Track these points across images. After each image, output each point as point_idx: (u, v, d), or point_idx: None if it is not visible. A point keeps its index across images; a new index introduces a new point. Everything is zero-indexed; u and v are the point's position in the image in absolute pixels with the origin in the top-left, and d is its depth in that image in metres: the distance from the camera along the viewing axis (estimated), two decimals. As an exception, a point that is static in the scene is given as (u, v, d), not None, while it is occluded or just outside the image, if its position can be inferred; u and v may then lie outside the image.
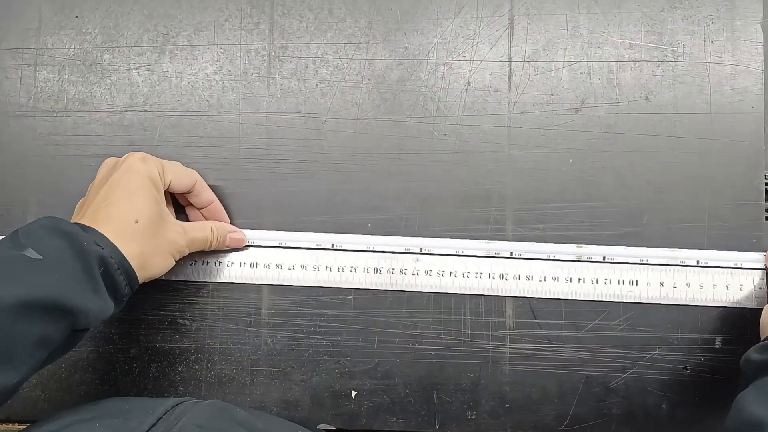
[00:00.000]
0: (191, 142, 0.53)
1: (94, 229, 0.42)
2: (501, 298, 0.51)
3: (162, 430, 0.38)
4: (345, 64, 0.54)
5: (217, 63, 0.54)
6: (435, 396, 0.51)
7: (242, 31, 0.54)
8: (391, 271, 0.52)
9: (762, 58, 0.52)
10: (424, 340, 0.52)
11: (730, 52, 0.52)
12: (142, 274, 0.44)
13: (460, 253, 0.51)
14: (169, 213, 0.47)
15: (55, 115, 0.54)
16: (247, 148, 0.53)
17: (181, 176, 0.48)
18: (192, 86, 0.54)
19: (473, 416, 0.51)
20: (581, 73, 0.53)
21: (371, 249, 0.52)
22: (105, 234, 0.42)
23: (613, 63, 0.53)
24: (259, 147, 0.53)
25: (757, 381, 0.42)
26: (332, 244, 0.52)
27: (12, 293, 0.36)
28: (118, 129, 0.54)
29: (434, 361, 0.51)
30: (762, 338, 0.46)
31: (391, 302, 0.52)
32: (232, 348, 0.52)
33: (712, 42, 0.52)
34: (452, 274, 0.51)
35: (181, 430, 0.38)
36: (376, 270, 0.52)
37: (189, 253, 0.49)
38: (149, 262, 0.44)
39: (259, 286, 0.52)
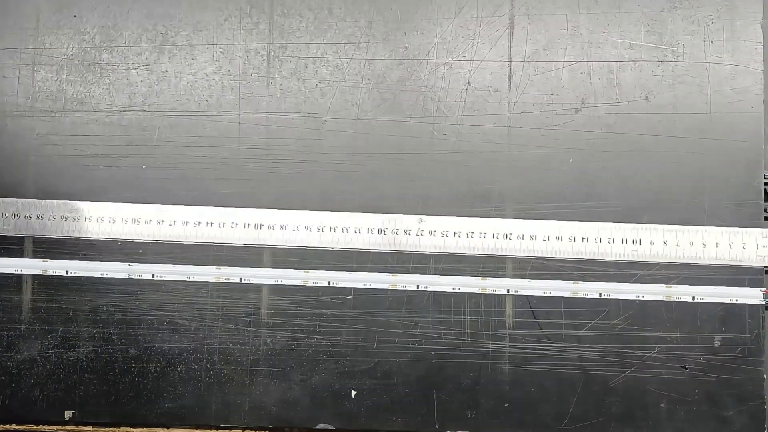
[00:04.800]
0: (190, 142, 0.53)
1: None
2: (500, 298, 0.52)
3: None
4: (345, 64, 0.53)
5: (217, 63, 0.54)
6: (435, 395, 0.51)
7: (242, 31, 0.54)
8: (396, 231, 0.51)
9: (762, 58, 0.52)
10: (424, 340, 0.52)
11: (730, 52, 0.52)
12: None
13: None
14: None
15: (53, 115, 0.54)
16: (247, 148, 0.53)
17: None
18: (191, 86, 0.54)
19: (473, 415, 0.51)
20: (581, 73, 0.53)
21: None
22: None
23: (613, 63, 0.53)
24: (258, 147, 0.53)
25: None
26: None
27: None
28: (116, 129, 0.53)
29: (434, 360, 0.51)
30: None
31: (391, 302, 0.52)
32: (232, 348, 0.52)
33: (712, 42, 0.53)
34: (456, 234, 0.51)
35: None
36: (380, 231, 0.51)
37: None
38: None
39: (258, 286, 0.52)
